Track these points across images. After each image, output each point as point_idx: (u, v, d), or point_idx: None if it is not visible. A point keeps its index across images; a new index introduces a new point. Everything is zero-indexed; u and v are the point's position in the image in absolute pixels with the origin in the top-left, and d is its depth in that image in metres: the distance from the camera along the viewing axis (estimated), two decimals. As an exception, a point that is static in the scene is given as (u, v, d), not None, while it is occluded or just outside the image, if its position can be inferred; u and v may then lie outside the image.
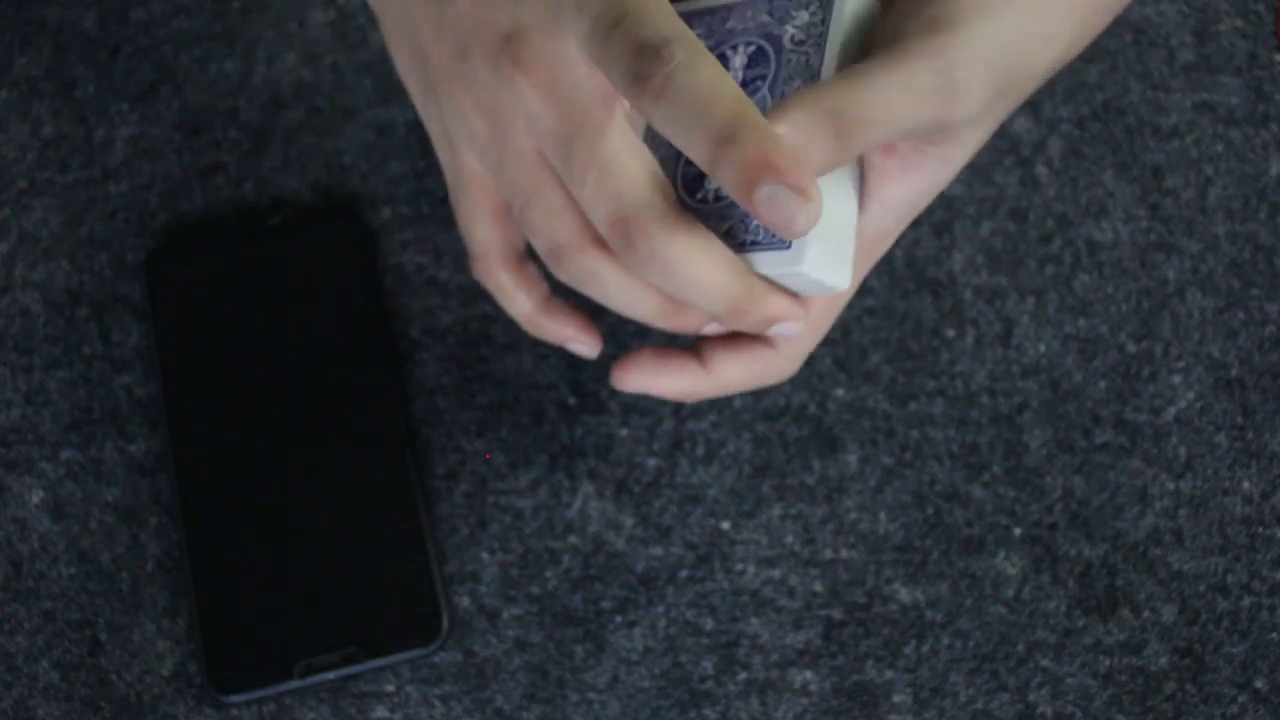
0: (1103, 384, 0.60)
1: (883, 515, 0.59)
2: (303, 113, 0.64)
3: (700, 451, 0.60)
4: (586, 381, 0.61)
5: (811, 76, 0.49)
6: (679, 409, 0.60)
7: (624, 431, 0.60)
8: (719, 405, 0.60)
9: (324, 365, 0.60)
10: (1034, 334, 0.61)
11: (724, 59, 0.52)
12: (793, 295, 0.50)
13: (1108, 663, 0.57)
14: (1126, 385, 0.60)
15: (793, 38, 0.50)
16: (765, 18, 0.52)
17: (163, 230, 0.63)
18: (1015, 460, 0.60)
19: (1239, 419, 0.60)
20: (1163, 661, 0.57)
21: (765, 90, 0.50)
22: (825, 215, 0.48)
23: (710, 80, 0.43)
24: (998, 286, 0.62)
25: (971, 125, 0.47)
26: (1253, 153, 0.63)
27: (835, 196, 0.48)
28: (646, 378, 0.52)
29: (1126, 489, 0.59)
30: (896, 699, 0.57)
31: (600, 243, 0.48)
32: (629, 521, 0.59)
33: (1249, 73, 0.64)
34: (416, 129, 0.64)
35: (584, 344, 0.54)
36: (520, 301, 0.53)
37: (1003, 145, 0.63)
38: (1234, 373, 0.60)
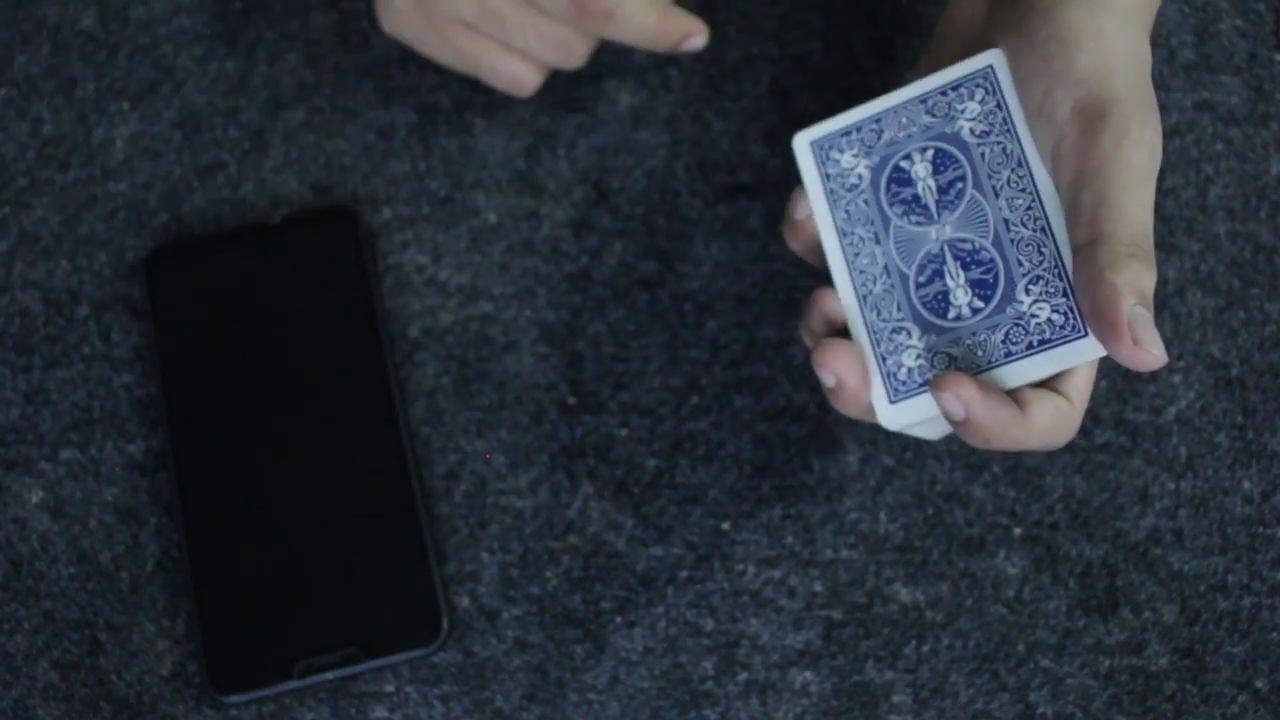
0: (1103, 383, 0.60)
1: (883, 515, 0.59)
2: (303, 113, 0.64)
3: (700, 451, 0.60)
4: (586, 381, 0.61)
5: (1016, 164, 0.50)
6: (679, 408, 0.60)
7: (624, 431, 0.60)
8: (719, 405, 0.60)
9: (324, 365, 0.60)
10: (1034, 334, 0.61)
11: (901, 172, 0.51)
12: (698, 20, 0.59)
13: (1108, 663, 0.57)
14: (1127, 385, 0.60)
15: (973, 130, 0.51)
16: (928, 119, 0.51)
17: (162, 230, 0.63)
18: (1015, 460, 0.59)
19: (1239, 419, 0.60)
20: (1163, 662, 0.57)
21: (971, 189, 0.50)
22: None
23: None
24: (998, 286, 0.62)
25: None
26: (1253, 152, 0.63)
27: None
28: (972, 399, 0.48)
29: (1127, 489, 0.59)
30: (896, 699, 0.57)
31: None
32: (629, 522, 0.59)
33: (1249, 72, 0.64)
34: (417, 130, 0.64)
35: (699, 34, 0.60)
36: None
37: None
38: (1234, 372, 0.60)
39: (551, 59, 0.60)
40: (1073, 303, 0.49)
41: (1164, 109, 0.63)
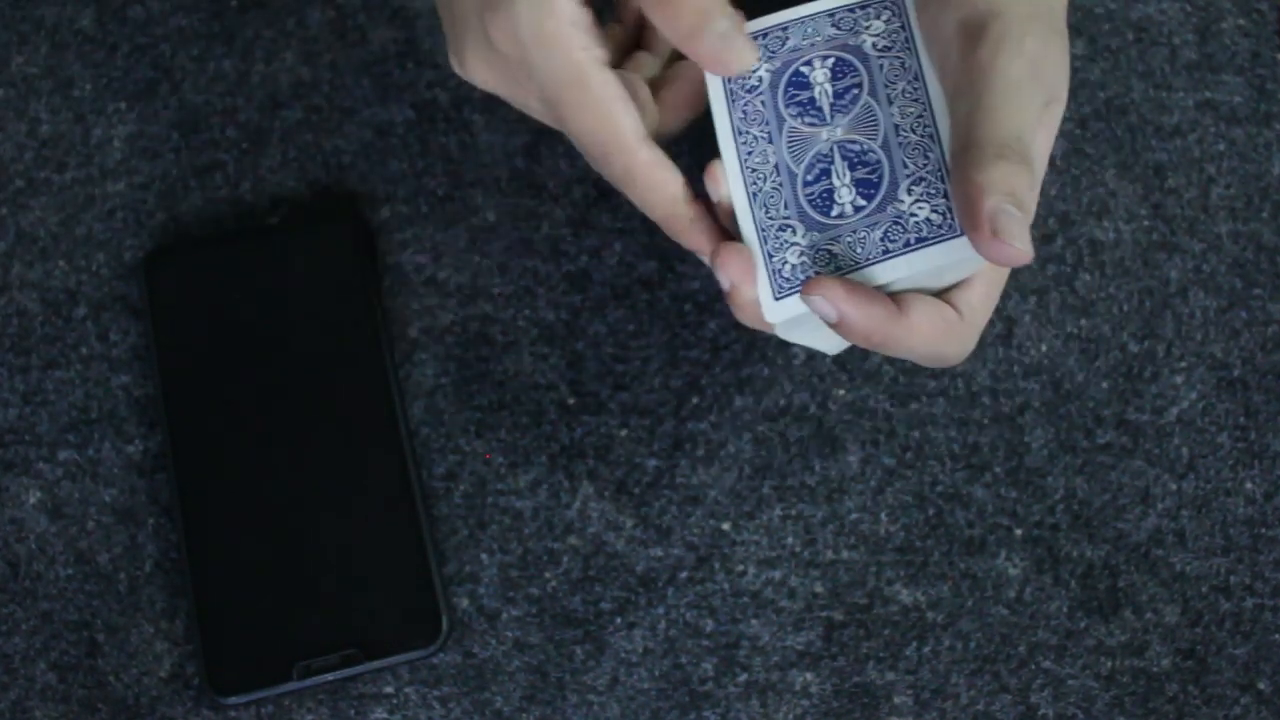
0: (1105, 384, 0.60)
1: (884, 516, 0.59)
2: (301, 111, 0.64)
3: (700, 452, 0.60)
4: (586, 381, 0.61)
5: (913, 78, 0.51)
6: (679, 409, 0.60)
7: (624, 432, 0.60)
8: (719, 406, 0.60)
9: (323, 365, 0.60)
10: (1036, 334, 0.61)
11: (800, 76, 0.52)
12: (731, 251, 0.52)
13: (1110, 664, 0.57)
14: (1128, 385, 0.60)
15: (874, 45, 0.52)
16: (833, 30, 0.52)
17: (161, 230, 0.63)
18: (1017, 461, 0.59)
19: (1241, 419, 0.60)
20: (1165, 663, 0.57)
21: (866, 96, 0.51)
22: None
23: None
24: (999, 286, 0.61)
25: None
26: (1255, 152, 0.63)
27: None
28: (840, 299, 0.49)
29: (1129, 490, 0.59)
30: (897, 700, 0.57)
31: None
32: (629, 522, 0.59)
33: (1251, 71, 0.64)
34: (415, 128, 0.64)
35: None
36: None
37: (1004, 144, 0.63)
38: (1236, 373, 0.60)
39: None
40: (952, 204, 0.49)
41: (1166, 109, 0.63)
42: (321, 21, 0.65)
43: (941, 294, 0.51)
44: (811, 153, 0.52)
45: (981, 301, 0.51)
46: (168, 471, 0.59)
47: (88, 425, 0.61)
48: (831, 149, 0.52)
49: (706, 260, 0.52)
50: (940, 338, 0.50)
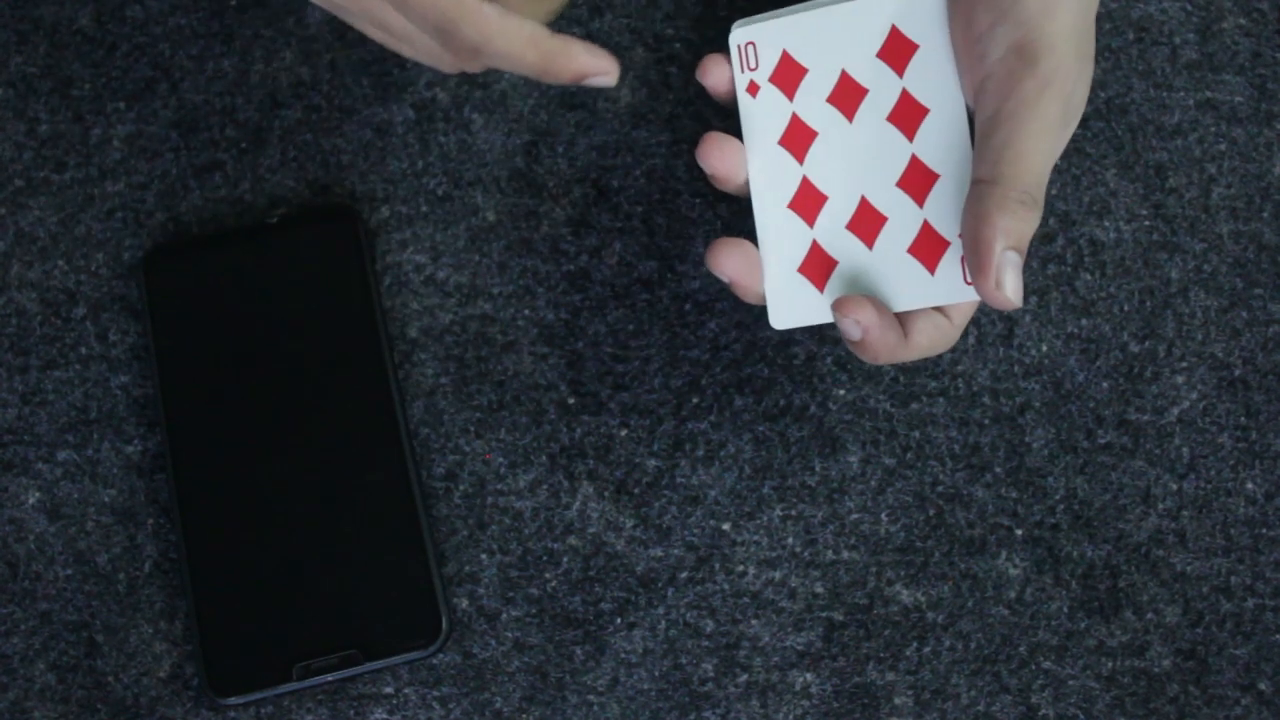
0: (1105, 384, 0.60)
1: (884, 516, 0.59)
2: (300, 111, 0.64)
3: (700, 452, 0.60)
4: (586, 381, 0.61)
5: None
6: (679, 409, 0.60)
7: (624, 432, 0.60)
8: (719, 406, 0.60)
9: (322, 365, 0.60)
10: (1036, 334, 0.61)
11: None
12: (604, 57, 0.52)
13: (1110, 664, 0.57)
14: (1129, 385, 0.60)
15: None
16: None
17: (160, 229, 0.63)
18: (1017, 461, 0.59)
19: (1242, 419, 0.60)
20: (1166, 663, 0.57)
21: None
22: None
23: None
24: (1000, 286, 0.61)
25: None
26: (1256, 151, 0.63)
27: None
28: (871, 324, 0.52)
29: (1129, 490, 0.59)
30: (898, 701, 0.57)
31: None
32: (629, 523, 0.59)
33: (1252, 71, 0.64)
34: (415, 127, 0.64)
35: (606, 74, 0.53)
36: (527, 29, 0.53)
37: (1005, 144, 0.63)
38: (1237, 373, 0.60)
39: (441, 69, 0.57)
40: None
41: (1166, 108, 0.63)
42: (321, 21, 0.65)
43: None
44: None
45: (969, 310, 0.54)
46: (167, 472, 0.59)
47: (87, 425, 0.60)
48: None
49: (603, 80, 0.53)
50: (933, 347, 0.53)
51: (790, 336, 0.61)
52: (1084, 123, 0.63)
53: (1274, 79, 0.64)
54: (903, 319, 0.53)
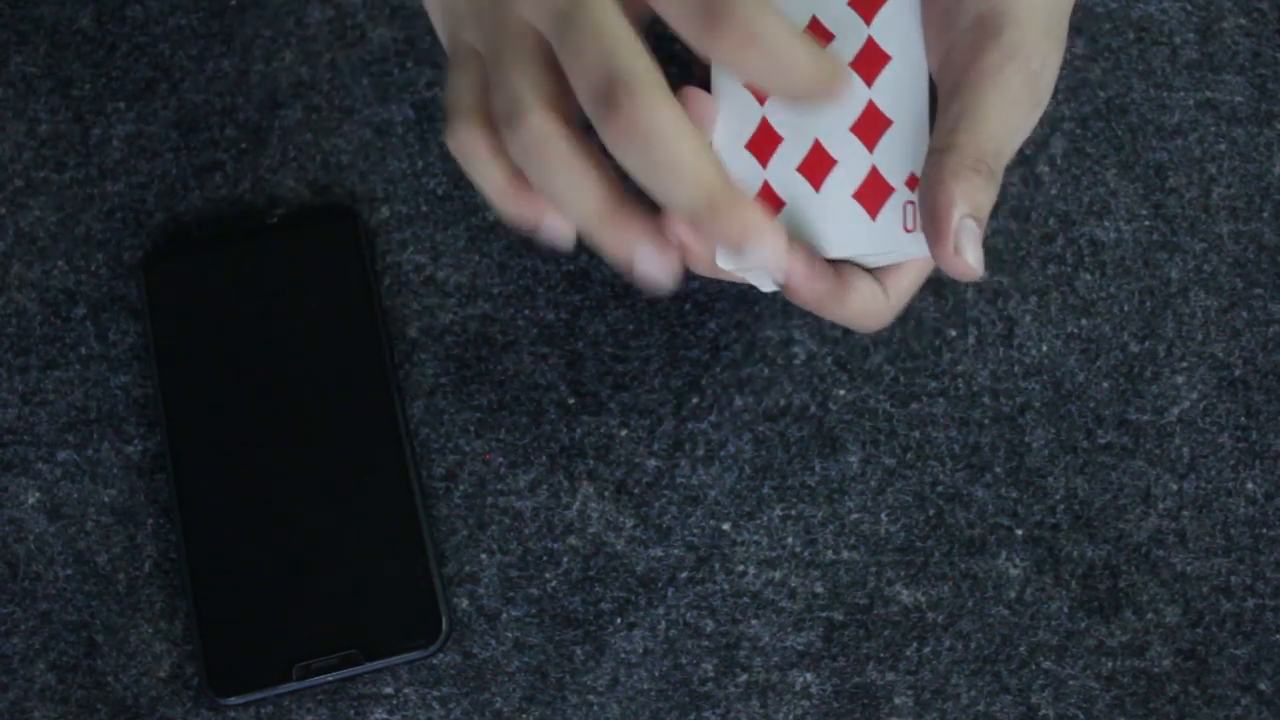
0: (1105, 384, 0.60)
1: (884, 516, 0.59)
2: (300, 111, 0.64)
3: (700, 452, 0.60)
4: (586, 381, 0.61)
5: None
6: (679, 409, 0.60)
7: (624, 432, 0.60)
8: (719, 406, 0.60)
9: (322, 365, 0.60)
10: (1036, 334, 0.61)
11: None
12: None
13: (1110, 665, 0.57)
14: (1129, 385, 0.60)
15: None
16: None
17: (160, 229, 0.63)
18: (1017, 461, 0.59)
19: (1242, 419, 0.60)
20: (1166, 663, 0.57)
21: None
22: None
23: (778, 37, 0.45)
24: (1000, 286, 0.61)
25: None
26: (1256, 151, 0.63)
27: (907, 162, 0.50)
28: (797, 271, 0.50)
29: (1129, 490, 0.59)
30: (898, 701, 0.57)
31: (559, 109, 0.48)
32: (629, 523, 0.59)
33: (1253, 71, 0.64)
34: (415, 127, 0.64)
35: (557, 226, 0.51)
36: (493, 169, 0.50)
37: (1005, 144, 0.63)
38: (1237, 373, 0.60)
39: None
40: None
41: (1166, 108, 0.63)
42: (321, 21, 0.65)
43: (873, 271, 0.52)
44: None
45: (908, 289, 0.53)
46: (167, 472, 0.59)
47: (86, 425, 0.60)
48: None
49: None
50: (866, 315, 0.52)
51: (790, 336, 0.61)
52: (1083, 123, 0.63)
53: (1274, 79, 0.64)
54: (840, 273, 0.51)
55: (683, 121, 0.46)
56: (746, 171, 0.52)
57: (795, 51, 0.45)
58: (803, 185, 0.51)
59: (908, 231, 0.50)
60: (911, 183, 0.50)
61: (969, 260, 0.48)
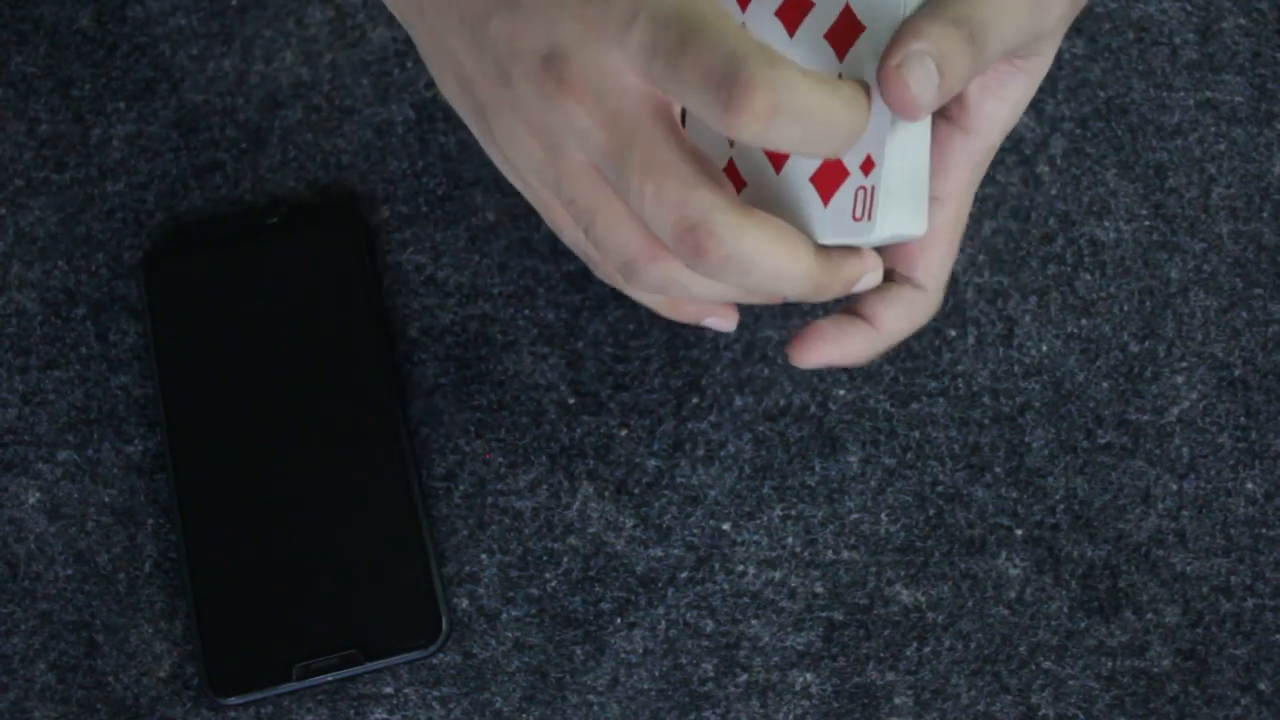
0: (1105, 384, 0.60)
1: (884, 516, 0.59)
2: (301, 111, 0.64)
3: (700, 452, 0.60)
4: (586, 381, 0.61)
5: None
6: (679, 409, 0.60)
7: (624, 432, 0.60)
8: (719, 405, 0.60)
9: (322, 365, 0.60)
10: (1036, 334, 0.61)
11: None
12: (860, 248, 0.49)
13: (1110, 664, 0.57)
14: (1129, 385, 0.60)
15: None
16: None
17: (160, 230, 0.63)
18: (1017, 461, 0.59)
19: (1242, 419, 0.60)
20: (1166, 663, 0.57)
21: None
22: (897, 169, 0.48)
23: (806, 96, 0.43)
24: (999, 286, 0.61)
25: (1051, 37, 0.48)
26: (1256, 151, 0.63)
27: (906, 147, 0.48)
28: (830, 348, 0.51)
29: (1129, 490, 0.59)
30: (898, 701, 0.57)
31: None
32: (629, 522, 0.59)
33: (1252, 71, 0.64)
34: (415, 127, 0.64)
35: (718, 325, 0.53)
36: (645, 299, 0.53)
37: (1004, 144, 0.63)
38: (1237, 373, 0.60)
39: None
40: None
41: (1166, 108, 0.63)
42: (321, 21, 0.65)
43: (897, 272, 0.51)
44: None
45: (940, 264, 0.51)
46: (167, 472, 0.59)
47: (87, 425, 0.61)
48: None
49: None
50: (912, 323, 0.51)
51: (790, 336, 0.61)
52: (1083, 123, 0.63)
53: (1274, 79, 0.64)
54: (865, 315, 0.51)
55: (768, 233, 0.46)
56: (714, 143, 0.51)
57: (830, 112, 0.44)
58: (763, 165, 0.50)
59: (856, 220, 0.48)
60: (866, 166, 0.48)
61: (908, 82, 0.44)
